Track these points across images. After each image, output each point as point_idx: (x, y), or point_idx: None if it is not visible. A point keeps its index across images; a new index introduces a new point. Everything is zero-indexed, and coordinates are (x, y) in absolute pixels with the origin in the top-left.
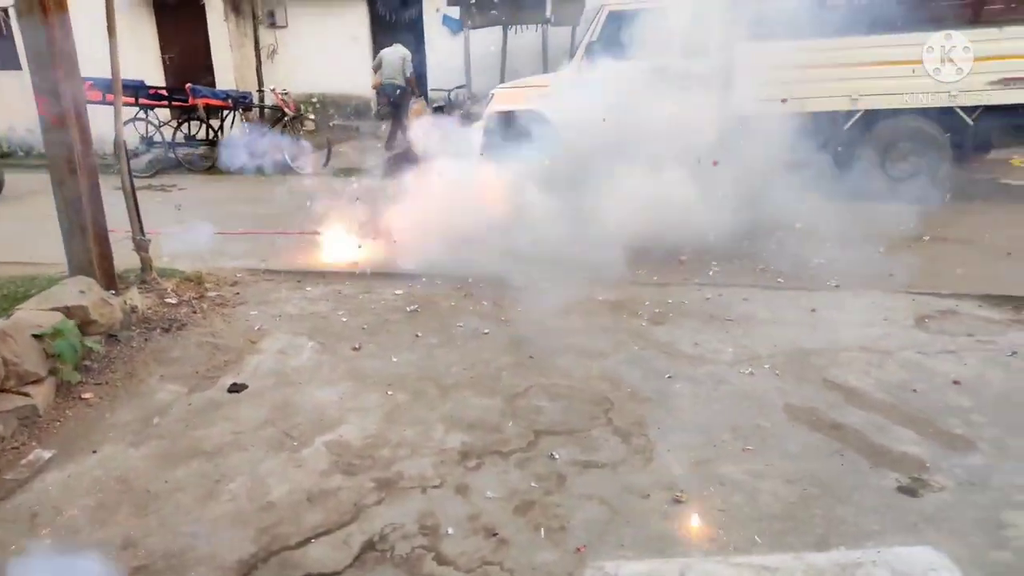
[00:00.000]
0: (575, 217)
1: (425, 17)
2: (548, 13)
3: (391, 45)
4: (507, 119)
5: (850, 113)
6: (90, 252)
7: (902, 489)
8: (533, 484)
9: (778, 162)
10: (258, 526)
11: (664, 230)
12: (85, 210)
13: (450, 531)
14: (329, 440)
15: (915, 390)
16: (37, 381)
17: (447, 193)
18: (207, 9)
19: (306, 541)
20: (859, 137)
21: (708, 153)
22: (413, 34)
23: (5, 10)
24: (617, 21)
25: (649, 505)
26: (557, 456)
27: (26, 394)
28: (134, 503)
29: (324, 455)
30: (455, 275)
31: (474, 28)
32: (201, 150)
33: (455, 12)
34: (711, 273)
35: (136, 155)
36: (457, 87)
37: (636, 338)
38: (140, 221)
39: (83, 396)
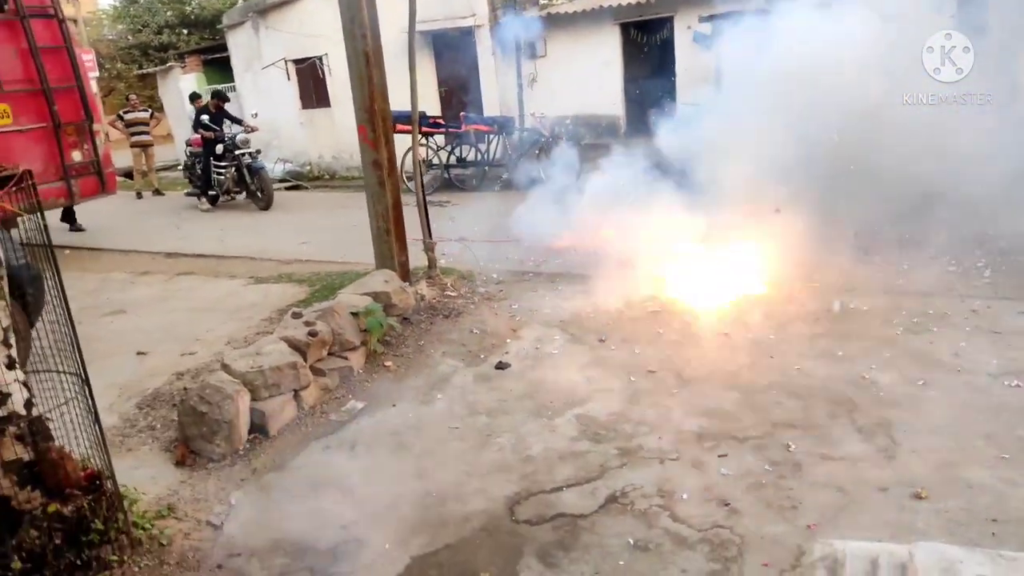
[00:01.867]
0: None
1: (676, 36)
2: None
3: (641, 67)
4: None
5: None
6: (392, 251)
7: None
8: (767, 467)
9: None
10: (520, 472)
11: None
12: (390, 217)
13: (685, 496)
14: (578, 413)
15: None
16: (353, 348)
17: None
18: (477, 45)
19: (559, 488)
20: None
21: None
22: (664, 54)
23: (320, 58)
24: None
25: (887, 497)
26: (793, 446)
27: (345, 358)
28: (424, 446)
29: (574, 424)
30: None
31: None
32: (470, 170)
33: (707, 28)
34: (981, 283)
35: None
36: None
37: (887, 345)
38: (429, 228)
39: (385, 364)
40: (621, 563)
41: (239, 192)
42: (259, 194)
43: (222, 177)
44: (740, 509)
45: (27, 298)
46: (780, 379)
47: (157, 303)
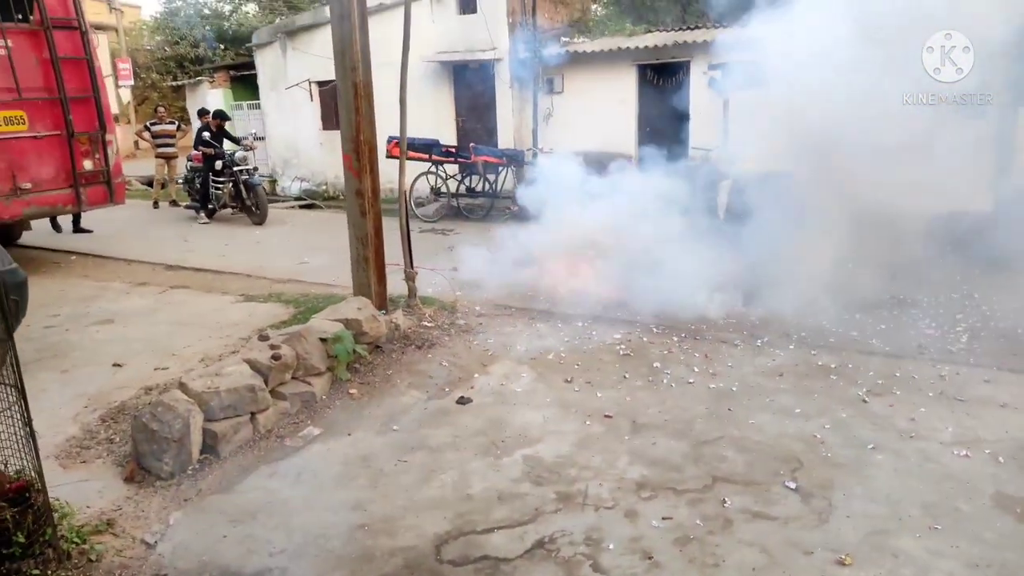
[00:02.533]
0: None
1: (692, 80)
2: None
3: (656, 107)
4: (755, 179)
5: None
6: (370, 278)
7: None
8: (698, 522)
9: None
10: (457, 511)
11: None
12: (370, 245)
13: (611, 547)
14: (527, 454)
15: None
16: (318, 374)
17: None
18: (496, 78)
19: (490, 530)
20: None
21: None
22: (679, 96)
23: None
24: None
25: (810, 562)
26: (729, 502)
27: (309, 383)
28: (368, 477)
29: (520, 465)
30: (675, 325)
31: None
32: (479, 201)
33: (717, 74)
34: (956, 348)
35: (425, 203)
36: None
37: (846, 405)
38: (411, 257)
39: (350, 391)
40: None
41: (235, 207)
42: (254, 209)
43: (220, 192)
44: (662, 563)
45: (8, 303)
46: (733, 432)
47: (145, 315)
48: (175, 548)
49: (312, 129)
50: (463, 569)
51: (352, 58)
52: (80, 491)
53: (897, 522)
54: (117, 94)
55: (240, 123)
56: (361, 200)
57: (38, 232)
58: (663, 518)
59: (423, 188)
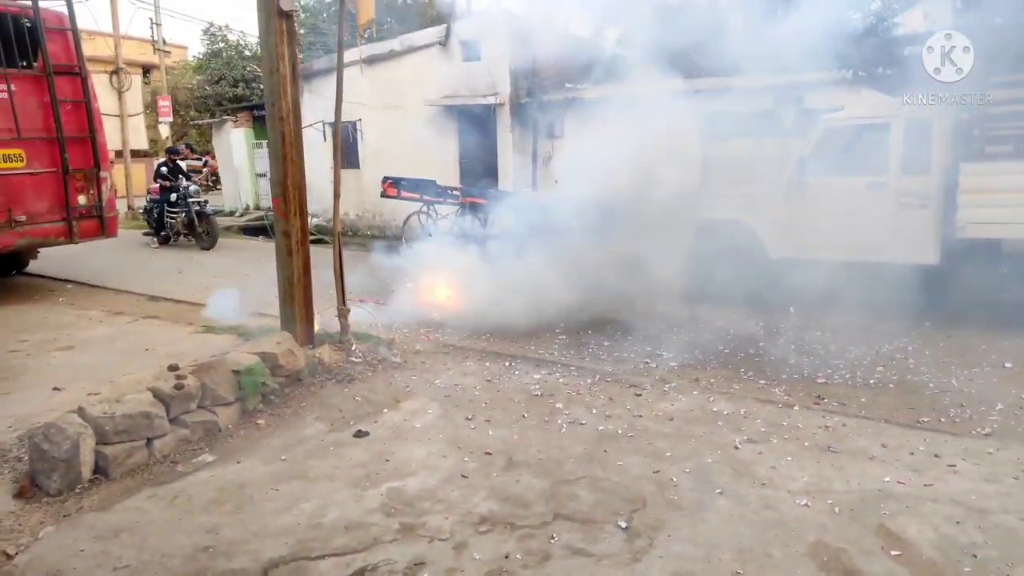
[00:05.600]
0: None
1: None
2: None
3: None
4: (712, 226)
5: None
6: (296, 314)
7: None
8: (519, 556)
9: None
10: (300, 538)
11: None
12: (297, 283)
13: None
14: (393, 486)
15: (976, 556)
16: (226, 404)
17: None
18: (498, 122)
19: (322, 556)
20: None
21: None
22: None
23: (354, 123)
24: (834, 136)
25: None
26: (555, 539)
27: (214, 412)
28: (236, 502)
29: (381, 497)
30: (595, 368)
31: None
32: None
33: None
34: (859, 400)
35: (418, 241)
36: None
37: (715, 450)
38: (344, 294)
39: (257, 422)
40: None
41: (187, 235)
42: (204, 236)
43: (174, 221)
44: None
45: None
46: (596, 473)
47: (105, 343)
48: (32, 559)
49: (325, 168)
50: None
51: (281, 109)
52: None
53: (705, 564)
54: (157, 129)
55: (260, 161)
56: (288, 240)
57: (44, 261)
58: (487, 552)
59: (416, 227)
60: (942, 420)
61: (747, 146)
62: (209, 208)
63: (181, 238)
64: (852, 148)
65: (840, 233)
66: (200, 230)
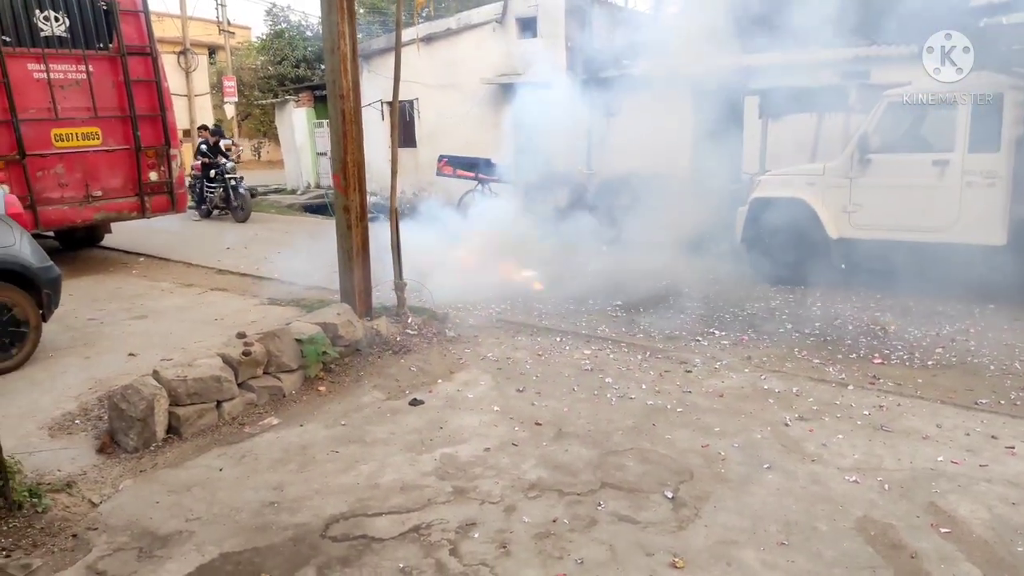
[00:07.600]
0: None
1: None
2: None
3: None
4: (770, 205)
5: None
6: (354, 287)
7: None
8: (566, 521)
9: None
10: (359, 496)
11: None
12: (356, 257)
13: (476, 536)
14: (446, 452)
15: None
16: (290, 371)
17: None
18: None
19: (379, 514)
20: None
21: None
22: (733, 120)
23: (412, 102)
24: (896, 112)
25: (647, 562)
26: (602, 506)
27: (278, 379)
28: (299, 462)
29: (435, 462)
30: (647, 344)
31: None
32: None
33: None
34: (917, 380)
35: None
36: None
37: (765, 427)
38: (401, 270)
39: (319, 388)
40: None
41: (224, 208)
42: (240, 210)
43: (212, 195)
44: (512, 552)
45: (43, 296)
46: (644, 445)
47: (177, 312)
48: (113, 508)
49: (382, 147)
50: (339, 544)
51: (342, 87)
52: (57, 457)
53: (750, 535)
54: (223, 109)
55: (321, 140)
56: (348, 215)
57: (118, 234)
58: (536, 516)
59: (471, 204)
60: (1002, 402)
61: (809, 122)
62: (244, 185)
63: (216, 211)
64: (916, 124)
65: (902, 212)
66: (235, 204)
